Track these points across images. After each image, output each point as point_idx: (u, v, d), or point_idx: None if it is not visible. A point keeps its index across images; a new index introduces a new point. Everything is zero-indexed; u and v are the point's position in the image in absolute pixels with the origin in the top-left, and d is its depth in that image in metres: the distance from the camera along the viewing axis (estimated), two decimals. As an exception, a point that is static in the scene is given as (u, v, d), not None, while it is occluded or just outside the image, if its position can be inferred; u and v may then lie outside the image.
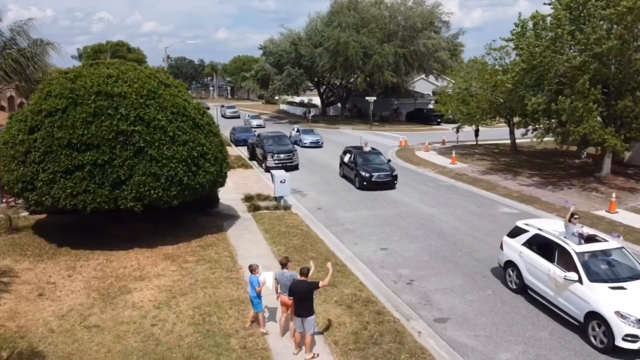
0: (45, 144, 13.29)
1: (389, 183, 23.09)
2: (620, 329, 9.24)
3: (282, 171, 20.96)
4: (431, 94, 59.46)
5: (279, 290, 9.75)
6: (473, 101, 32.25)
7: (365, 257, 14.60)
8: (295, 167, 27.56)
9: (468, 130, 36.12)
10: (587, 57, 21.10)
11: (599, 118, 22.29)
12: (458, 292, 12.28)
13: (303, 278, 9.18)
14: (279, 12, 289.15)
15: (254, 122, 50.47)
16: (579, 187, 22.90)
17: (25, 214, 16.73)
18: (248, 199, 20.09)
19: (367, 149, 25.58)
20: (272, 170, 22.01)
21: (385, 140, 39.27)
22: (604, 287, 9.95)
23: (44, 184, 13.28)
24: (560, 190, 22.36)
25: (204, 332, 9.94)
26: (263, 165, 28.13)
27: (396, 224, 17.81)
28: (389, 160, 25.64)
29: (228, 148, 19.00)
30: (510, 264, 12.45)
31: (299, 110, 68.56)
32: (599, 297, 9.75)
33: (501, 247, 13.00)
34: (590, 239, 11.30)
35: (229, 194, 20.29)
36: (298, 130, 38.92)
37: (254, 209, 18.80)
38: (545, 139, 24.84)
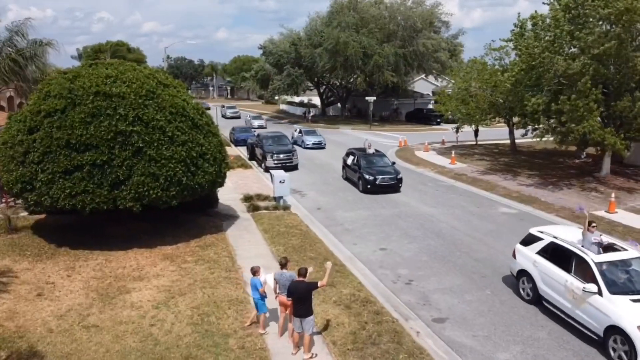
0: (44, 144, 13.30)
1: (394, 186, 22.51)
2: None
3: (282, 171, 20.97)
4: (431, 94, 59.45)
5: (277, 291, 9.76)
6: (472, 101, 32.26)
7: (364, 257, 14.61)
8: (294, 167, 27.56)
9: (467, 130, 36.13)
10: (587, 59, 21.11)
11: (598, 118, 22.29)
12: (457, 292, 12.29)
13: (301, 278, 9.19)
14: (279, 12, 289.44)
15: (256, 123, 50.04)
16: (579, 187, 22.90)
17: (25, 214, 16.72)
18: (247, 199, 20.10)
19: (370, 151, 25.11)
20: (271, 170, 21.99)
21: (384, 140, 39.26)
22: (625, 299, 9.37)
23: (43, 184, 13.29)
24: (560, 191, 22.37)
25: (202, 332, 9.95)
26: (262, 165, 28.13)
27: (395, 224, 17.82)
28: (394, 163, 25.25)
29: (227, 148, 19.04)
30: (523, 273, 11.86)
31: (298, 110, 68.57)
32: (620, 310, 9.20)
33: (514, 255, 12.39)
34: (609, 247, 10.84)
35: (229, 194, 20.29)
36: (300, 132, 38.19)
37: (253, 209, 18.81)
38: (545, 138, 24.86)
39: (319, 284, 9.15)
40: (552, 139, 24.76)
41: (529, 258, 11.78)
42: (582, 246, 10.78)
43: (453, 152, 30.69)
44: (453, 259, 14.48)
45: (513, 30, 26.16)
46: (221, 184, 16.69)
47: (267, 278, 10.01)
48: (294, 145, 31.24)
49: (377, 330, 10.10)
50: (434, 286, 12.61)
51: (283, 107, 77.61)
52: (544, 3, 24.87)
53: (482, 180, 24.96)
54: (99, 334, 9.83)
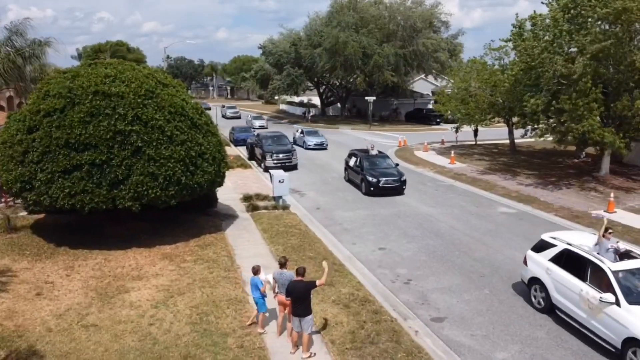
0: (43, 144, 13.31)
1: (397, 189, 21.98)
2: None
3: (281, 171, 20.97)
4: (430, 94, 59.47)
5: (276, 290, 9.78)
6: (472, 101, 32.27)
7: (363, 256, 14.62)
8: (294, 167, 27.56)
9: (467, 130, 36.12)
10: (586, 60, 21.12)
11: (598, 118, 22.31)
12: (455, 291, 12.30)
13: (300, 278, 9.20)
14: (279, 12, 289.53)
15: (257, 123, 49.65)
16: (578, 186, 22.91)
17: (24, 213, 16.73)
18: (247, 198, 20.11)
19: (373, 152, 24.67)
20: (270, 170, 21.98)
21: (384, 140, 39.26)
22: None
23: (42, 183, 13.30)
24: (559, 190, 22.38)
25: (201, 331, 9.96)
26: (262, 165, 28.13)
27: (394, 223, 17.83)
28: (397, 164, 24.82)
29: (227, 148, 19.03)
30: (535, 281, 11.41)
31: (298, 110, 68.54)
32: (639, 321, 8.85)
33: (525, 262, 11.96)
34: (626, 254, 10.48)
35: (228, 194, 20.30)
36: (302, 132, 37.70)
37: (253, 208, 18.82)
38: (544, 138, 24.87)
39: (318, 283, 9.17)
40: (551, 138, 24.79)
41: (542, 265, 11.33)
42: (598, 253, 10.43)
43: (452, 152, 30.70)
44: (452, 258, 14.49)
45: (512, 30, 26.16)
46: (220, 184, 16.70)
47: (268, 278, 10.03)
48: (294, 146, 31.21)
49: (376, 329, 10.11)
50: (433, 285, 12.63)
51: (283, 107, 77.59)
52: (542, 3, 24.95)
53: (481, 180, 24.97)
54: (97, 333, 9.84)
